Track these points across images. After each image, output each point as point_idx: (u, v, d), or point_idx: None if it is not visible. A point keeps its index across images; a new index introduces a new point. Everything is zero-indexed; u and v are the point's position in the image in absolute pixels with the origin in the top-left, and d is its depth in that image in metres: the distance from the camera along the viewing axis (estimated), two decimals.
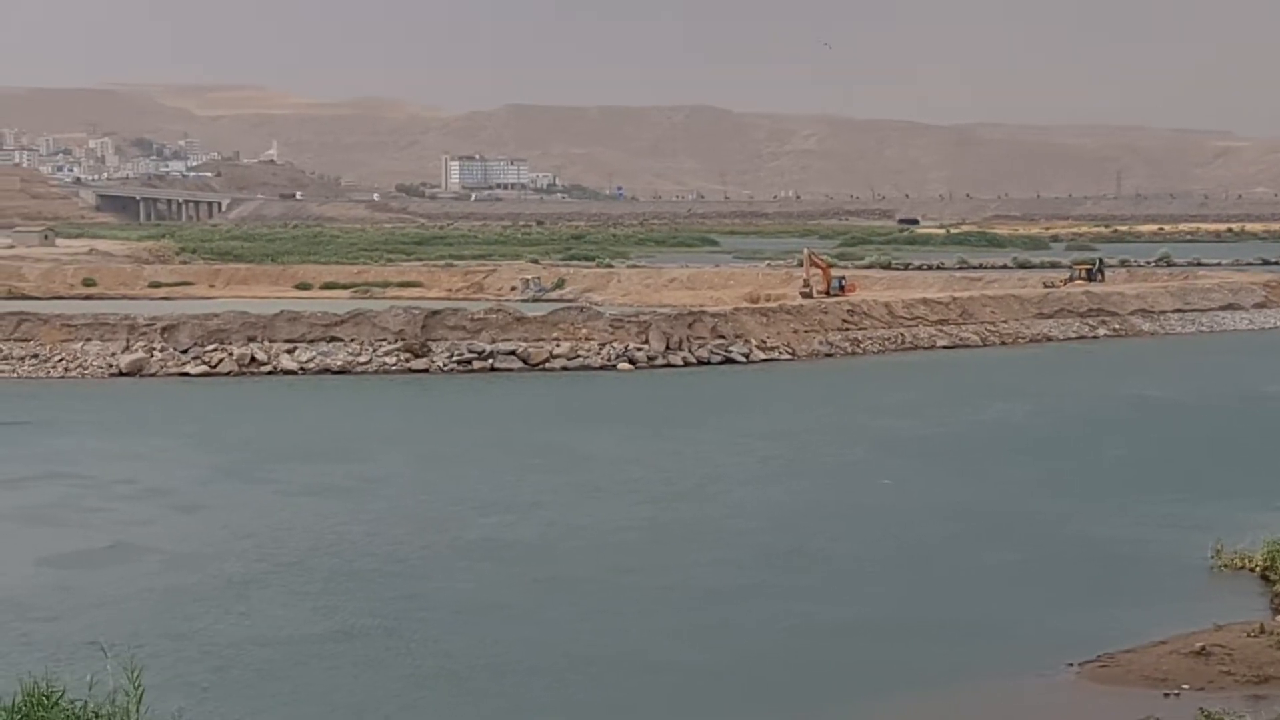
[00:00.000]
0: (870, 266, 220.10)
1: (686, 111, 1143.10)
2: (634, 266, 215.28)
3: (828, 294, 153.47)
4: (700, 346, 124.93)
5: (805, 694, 42.28)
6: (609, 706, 41.66)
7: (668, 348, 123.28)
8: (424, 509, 66.61)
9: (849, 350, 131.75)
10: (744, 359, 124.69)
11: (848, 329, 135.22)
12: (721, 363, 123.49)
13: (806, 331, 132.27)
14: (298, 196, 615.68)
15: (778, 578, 54.43)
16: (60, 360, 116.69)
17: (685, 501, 69.10)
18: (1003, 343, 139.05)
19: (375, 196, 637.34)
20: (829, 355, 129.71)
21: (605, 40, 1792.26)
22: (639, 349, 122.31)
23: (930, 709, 41.41)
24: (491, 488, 71.74)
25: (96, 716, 13.12)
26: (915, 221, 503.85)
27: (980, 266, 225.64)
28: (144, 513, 65.94)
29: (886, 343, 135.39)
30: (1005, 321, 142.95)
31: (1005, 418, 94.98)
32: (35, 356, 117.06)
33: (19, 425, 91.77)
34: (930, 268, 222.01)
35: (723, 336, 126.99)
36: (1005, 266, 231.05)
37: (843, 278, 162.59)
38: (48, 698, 13.17)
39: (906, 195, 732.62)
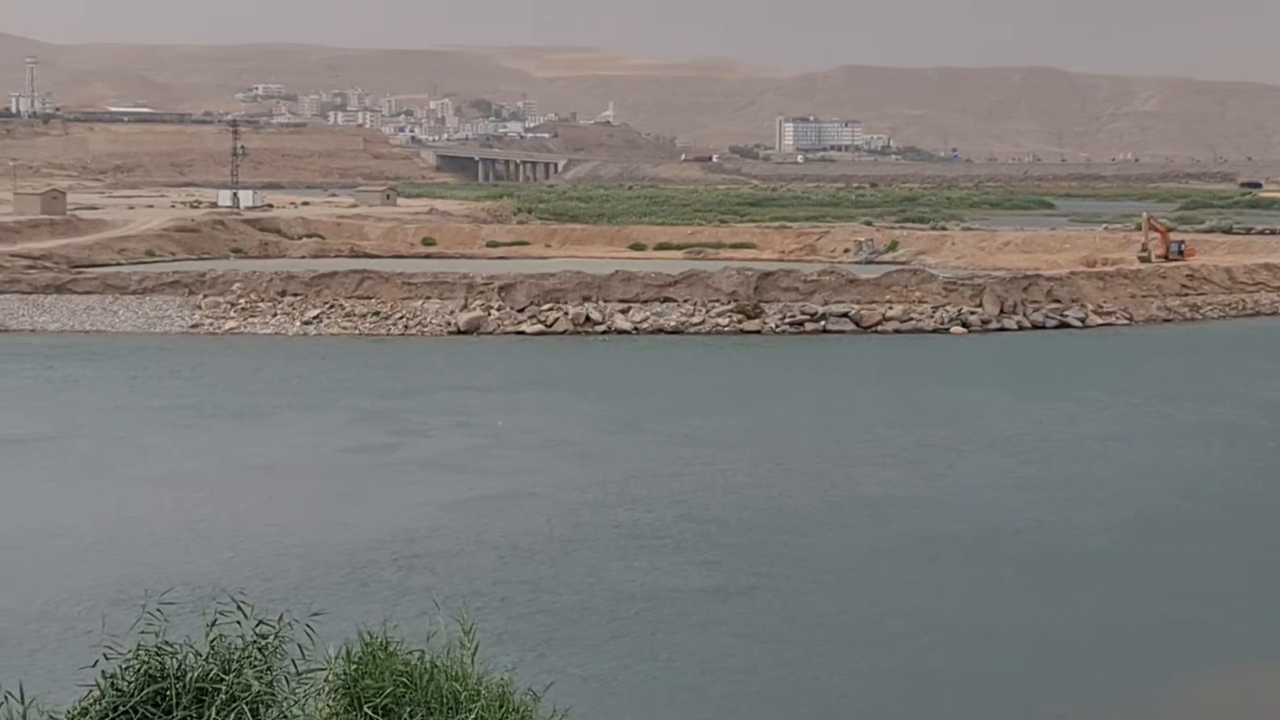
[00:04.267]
0: (1210, 231, 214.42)
1: (1024, 73, 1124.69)
2: (968, 229, 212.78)
3: (1166, 258, 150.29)
4: (1035, 310, 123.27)
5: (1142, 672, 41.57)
6: (976, 677, 41.17)
7: (1001, 311, 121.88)
8: (805, 462, 67.40)
9: (1187, 316, 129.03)
10: (1079, 323, 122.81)
11: (1186, 294, 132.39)
12: (1056, 327, 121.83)
13: (1144, 296, 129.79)
14: (683, 158, 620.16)
15: (1160, 544, 53.61)
16: (400, 318, 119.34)
17: (1064, 460, 68.60)
18: None
19: (714, 158, 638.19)
20: (1167, 320, 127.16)
21: (942, 2, 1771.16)
22: (972, 312, 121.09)
23: None
24: (868, 443, 72.27)
25: (434, 668, 13.40)
26: (1258, 185, 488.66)
27: None
28: (537, 461, 68.49)
29: (1227, 308, 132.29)
30: None
31: None
32: (376, 314, 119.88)
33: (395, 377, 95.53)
34: (1273, 233, 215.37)
35: (1058, 300, 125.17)
36: None
37: (1181, 242, 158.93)
38: (384, 648, 13.50)
39: (1249, 158, 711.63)
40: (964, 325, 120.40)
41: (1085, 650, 42.53)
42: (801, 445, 72.63)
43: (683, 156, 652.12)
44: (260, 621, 12.51)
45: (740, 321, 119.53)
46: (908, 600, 47.01)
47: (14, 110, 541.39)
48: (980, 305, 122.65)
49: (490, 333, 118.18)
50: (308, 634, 12.99)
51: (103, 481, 65.11)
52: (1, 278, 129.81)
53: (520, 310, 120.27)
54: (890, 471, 66.45)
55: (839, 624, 44.76)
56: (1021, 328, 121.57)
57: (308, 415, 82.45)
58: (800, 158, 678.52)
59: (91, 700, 12.16)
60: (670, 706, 38.86)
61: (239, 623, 12.58)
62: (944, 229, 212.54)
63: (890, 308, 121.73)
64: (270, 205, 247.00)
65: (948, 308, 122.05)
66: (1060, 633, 43.98)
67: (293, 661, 12.46)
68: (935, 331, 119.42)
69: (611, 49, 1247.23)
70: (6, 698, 11.97)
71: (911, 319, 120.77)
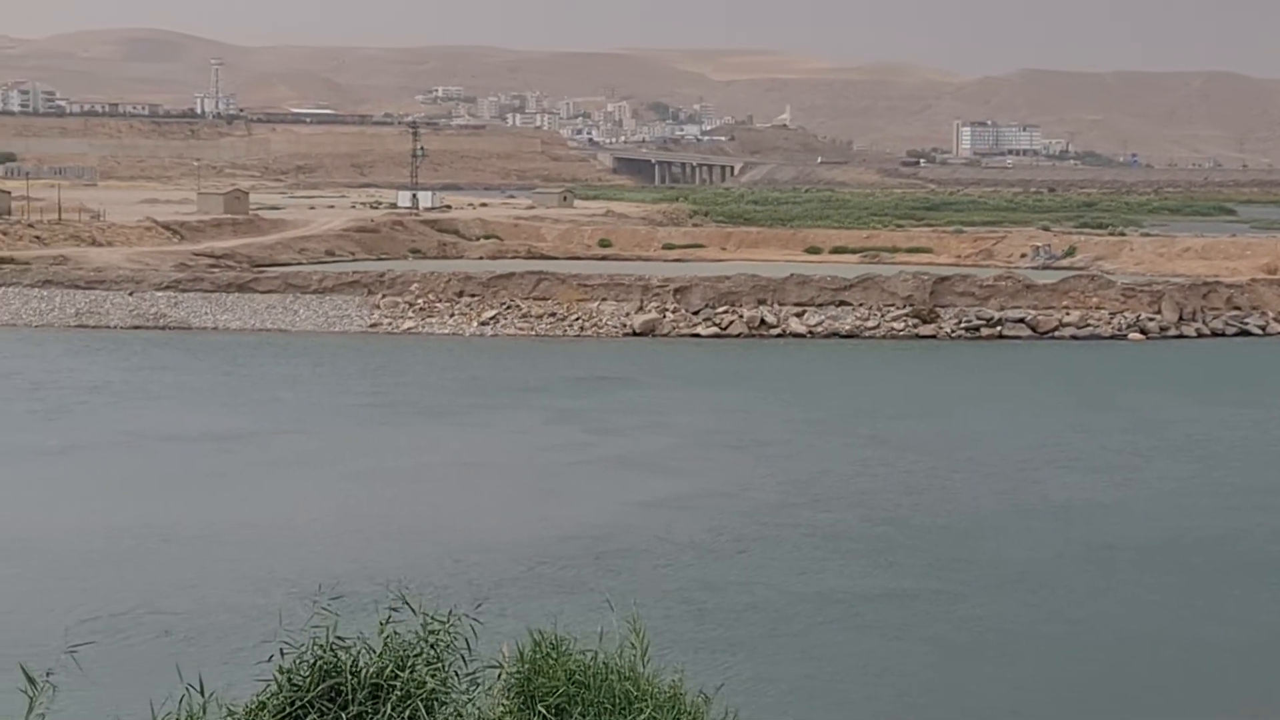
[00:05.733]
0: None
1: (1204, 77, 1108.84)
2: (1146, 235, 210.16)
3: None
4: (1214, 317, 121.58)
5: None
6: (1145, 689, 40.66)
7: (1180, 318, 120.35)
8: (986, 466, 67.30)
9: None
10: (1260, 331, 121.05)
11: None
12: (1236, 334, 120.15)
13: None
14: (819, 160, 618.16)
15: None
16: (576, 319, 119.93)
17: (1251, 466, 67.83)
18: None
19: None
20: None
21: (1123, 6, 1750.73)
22: (1150, 319, 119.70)
23: None
24: (1050, 447, 71.93)
25: (606, 667, 13.45)
26: None
27: None
28: (724, 461, 69.03)
29: None
30: None
31: None
32: (552, 315, 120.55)
33: (593, 379, 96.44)
34: None
35: (1238, 308, 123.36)
36: None
37: None
38: (556, 647, 13.55)
39: None
40: (1142, 332, 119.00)
41: (1260, 663, 41.87)
42: (983, 449, 72.29)
43: (859, 160, 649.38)
44: (431, 617, 12.61)
45: (915, 326, 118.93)
46: (1084, 608, 46.55)
47: (199, 111, 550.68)
48: (1159, 312, 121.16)
49: (665, 335, 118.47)
50: (475, 629, 13.09)
51: (307, 477, 66.41)
52: (185, 276, 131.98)
53: (695, 313, 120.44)
54: (1073, 476, 65.92)
55: (1011, 630, 44.41)
56: (1200, 335, 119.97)
57: (501, 414, 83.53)
58: (981, 161, 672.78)
59: (269, 695, 12.31)
60: (836, 710, 38.72)
61: (415, 614, 12.69)
62: (1122, 234, 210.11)
63: (1067, 313, 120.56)
64: (449, 206, 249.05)
65: (1126, 314, 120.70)
66: (1235, 644, 43.33)
67: (460, 655, 12.55)
68: (1112, 338, 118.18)
69: (788, 52, 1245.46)
70: (188, 690, 12.16)
71: (1089, 325, 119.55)
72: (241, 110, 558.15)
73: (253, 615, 44.02)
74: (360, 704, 12.13)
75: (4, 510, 59.33)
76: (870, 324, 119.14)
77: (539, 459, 70.54)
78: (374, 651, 12.35)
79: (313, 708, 12.18)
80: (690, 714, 13.71)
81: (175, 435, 76.07)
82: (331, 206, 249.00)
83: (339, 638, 12.40)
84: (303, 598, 43.41)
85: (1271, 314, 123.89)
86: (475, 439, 76.16)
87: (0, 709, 12.91)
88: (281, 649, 12.44)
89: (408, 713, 12.08)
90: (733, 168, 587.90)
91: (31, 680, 11.44)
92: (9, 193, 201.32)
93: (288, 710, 12.17)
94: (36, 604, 46.39)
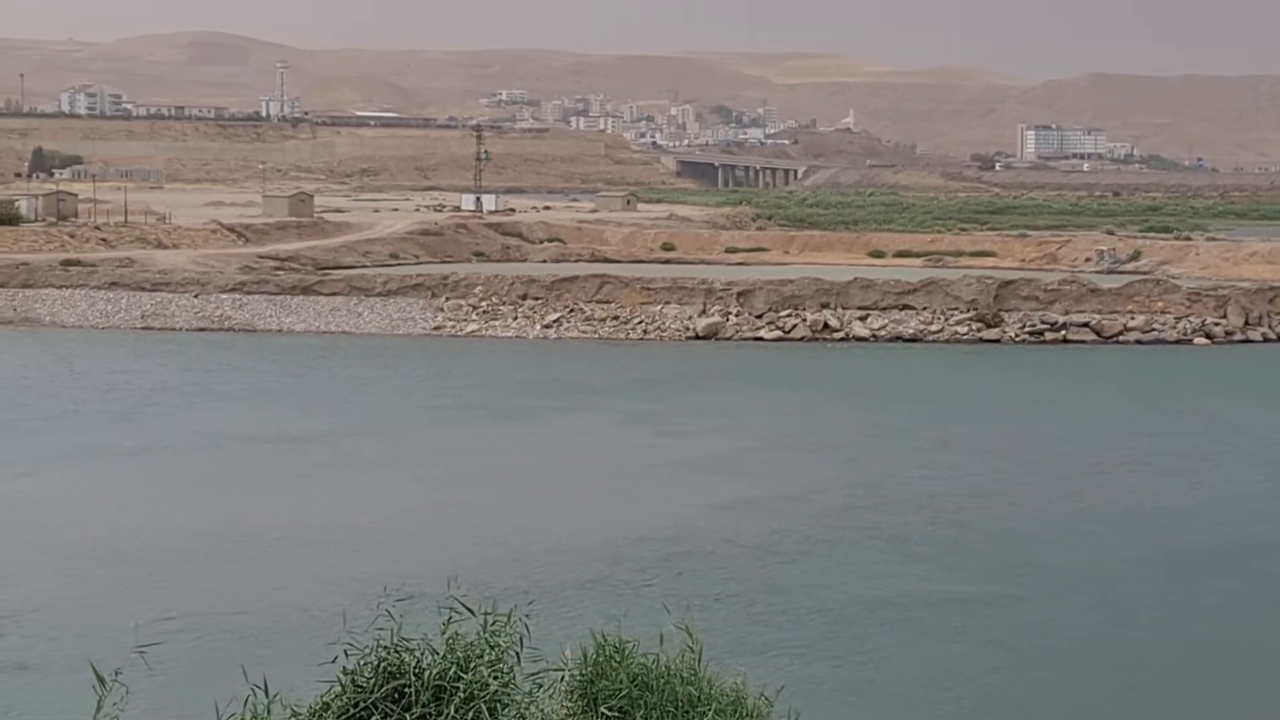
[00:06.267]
0: None
1: (1273, 81, 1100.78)
2: (1212, 239, 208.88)
3: None
4: None
5: None
6: (1213, 696, 40.41)
7: (1246, 323, 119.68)
8: (1055, 469, 67.21)
9: None
10: None
11: None
12: None
13: None
14: (868, 164, 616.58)
15: None
16: (639, 322, 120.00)
17: None
18: None
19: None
20: None
21: (1186, 10, 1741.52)
22: (1216, 323, 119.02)
23: None
24: (1119, 451, 71.74)
25: (669, 670, 13.48)
26: None
27: None
28: (792, 463, 69.27)
29: None
30: None
31: None
32: (615, 318, 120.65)
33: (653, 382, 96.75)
34: None
35: None
36: None
37: None
38: (619, 650, 13.58)
39: None
40: (1207, 336, 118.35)
41: None
42: (1050, 452, 72.11)
43: (923, 164, 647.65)
44: (493, 618, 12.65)
45: (979, 330, 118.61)
46: (1147, 612, 46.34)
47: (264, 114, 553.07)
48: (1225, 316, 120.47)
49: (728, 338, 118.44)
50: (542, 630, 13.13)
51: (381, 478, 66.91)
52: (250, 279, 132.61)
53: (758, 316, 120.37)
54: (1140, 480, 65.65)
55: (1075, 635, 44.21)
56: (1267, 340, 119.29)
57: (570, 416, 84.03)
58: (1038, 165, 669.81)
59: (333, 696, 12.37)
60: (899, 715, 38.63)
61: (475, 616, 12.73)
62: (1188, 239, 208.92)
63: (1132, 318, 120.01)
64: (512, 209, 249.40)
65: (1191, 319, 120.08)
66: None
67: (516, 654, 12.58)
68: (1178, 342, 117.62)
69: (852, 55, 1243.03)
70: (253, 691, 12.23)
71: (1153, 329, 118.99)
72: (306, 113, 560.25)
73: (325, 616, 44.21)
74: (424, 706, 12.18)
75: (83, 511, 59.79)
76: (934, 328, 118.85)
77: (609, 461, 70.93)
78: (437, 653, 12.39)
79: (376, 709, 12.23)
80: (752, 717, 13.72)
81: (250, 436, 76.67)
82: (395, 209, 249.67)
83: (403, 639, 12.46)
84: (372, 599, 43.56)
85: None
86: (546, 441, 76.65)
87: (73, 706, 13.05)
88: (345, 650, 12.51)
89: (471, 714, 12.11)
90: (796, 171, 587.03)
91: (101, 679, 11.55)
92: (76, 195, 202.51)
93: (351, 712, 12.23)
94: (113, 603, 46.79)
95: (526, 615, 12.89)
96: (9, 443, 74.42)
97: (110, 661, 12.21)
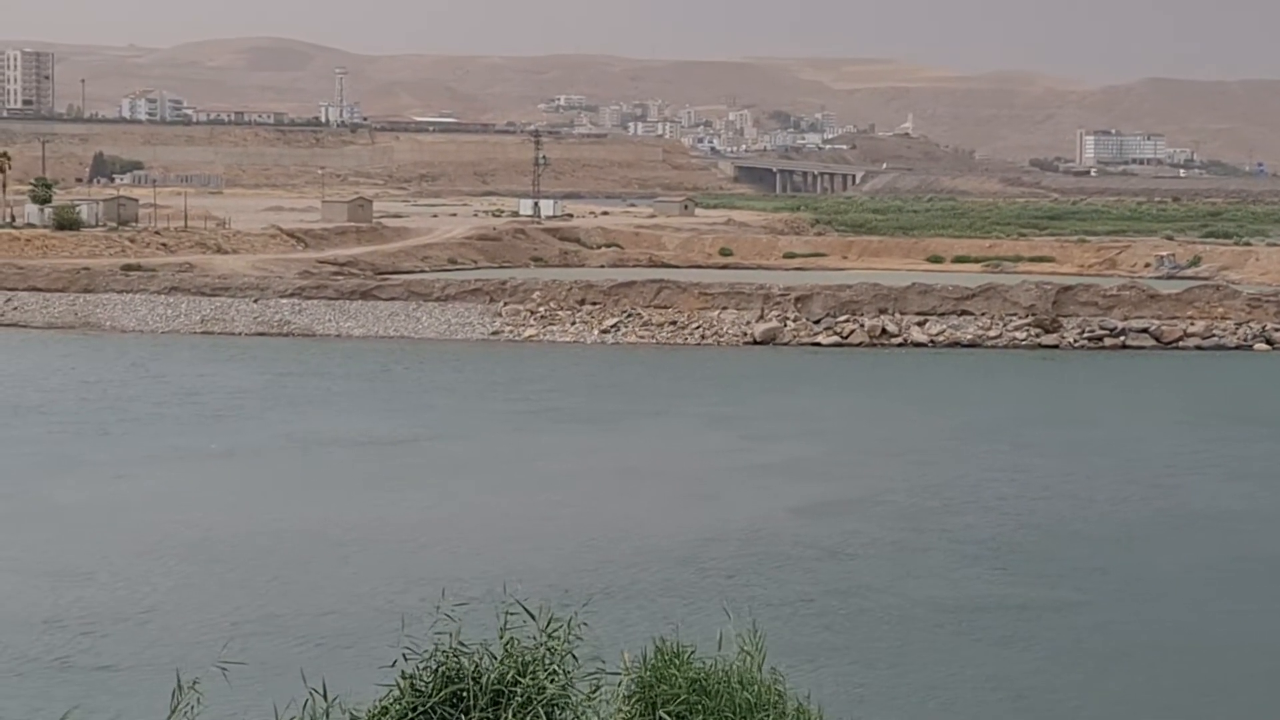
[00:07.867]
0: None
1: None
2: (1273, 245, 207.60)
3: None
4: None
5: None
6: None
7: None
8: (1129, 474, 67.12)
9: None
10: None
11: None
12: None
13: None
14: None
15: None
16: (697, 327, 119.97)
17: None
18: None
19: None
20: None
21: (1248, 15, 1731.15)
22: (1277, 329, 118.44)
23: None
24: (1191, 455, 71.59)
25: (727, 675, 13.50)
26: None
27: None
28: (869, 468, 69.41)
29: None
30: None
31: None
32: (673, 324, 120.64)
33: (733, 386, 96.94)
34: None
35: None
36: None
37: None
38: (679, 654, 13.60)
39: None
40: (1268, 342, 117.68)
41: None
42: (1117, 456, 71.99)
43: (982, 169, 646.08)
44: (553, 622, 12.67)
45: (1038, 336, 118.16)
46: (1214, 620, 46.06)
47: (324, 120, 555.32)
48: None
49: (786, 344, 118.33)
50: (605, 632, 13.18)
51: (469, 481, 67.44)
52: (309, 284, 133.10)
53: (816, 322, 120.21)
54: (1208, 485, 65.50)
55: (1143, 640, 44.00)
56: None
57: (651, 420, 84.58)
58: (1090, 171, 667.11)
59: (391, 700, 12.42)
60: None
61: (534, 620, 12.75)
62: (1248, 244, 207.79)
63: (1192, 324, 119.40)
64: (570, 215, 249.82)
65: (1252, 324, 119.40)
66: None
67: (572, 655, 12.60)
68: (1238, 348, 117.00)
69: (910, 60, 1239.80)
70: (311, 694, 12.30)
71: (1214, 335, 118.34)
72: (365, 119, 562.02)
73: (410, 619, 44.26)
74: (481, 710, 12.21)
75: (171, 513, 60.13)
76: (992, 333, 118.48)
77: (691, 465, 71.64)
78: (495, 658, 12.42)
79: (434, 713, 12.27)
80: None
81: (336, 439, 77.21)
82: (454, 214, 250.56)
83: (461, 643, 12.49)
84: (458, 601, 43.61)
85: None
86: (629, 444, 77.34)
87: (148, 707, 13.24)
88: (404, 654, 12.56)
89: (528, 718, 12.14)
90: (854, 176, 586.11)
91: (180, 687, 11.73)
92: (136, 200, 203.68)
93: (409, 716, 12.27)
94: (197, 605, 47.04)
95: (584, 622, 12.92)
96: (101, 445, 75.24)
97: (192, 661, 12.45)
